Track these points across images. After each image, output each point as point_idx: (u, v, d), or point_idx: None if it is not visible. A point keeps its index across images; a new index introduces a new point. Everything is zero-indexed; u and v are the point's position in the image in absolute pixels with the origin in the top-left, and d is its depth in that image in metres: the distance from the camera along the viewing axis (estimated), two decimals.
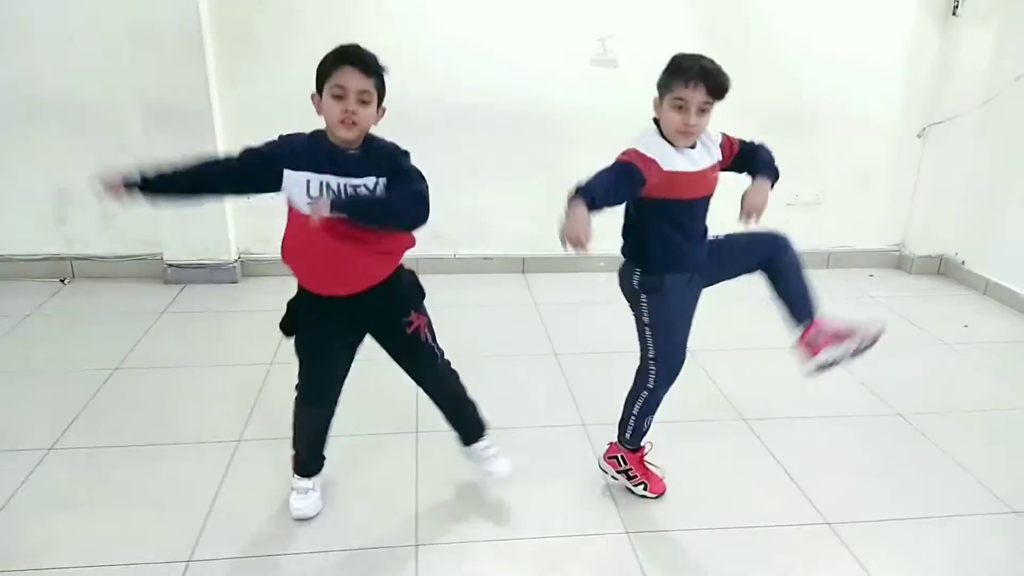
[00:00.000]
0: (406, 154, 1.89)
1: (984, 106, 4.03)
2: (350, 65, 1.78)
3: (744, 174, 2.06)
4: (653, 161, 1.86)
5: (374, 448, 2.49)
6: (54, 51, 3.59)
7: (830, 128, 4.19)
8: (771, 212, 2.00)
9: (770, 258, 2.04)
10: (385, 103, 1.86)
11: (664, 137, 1.91)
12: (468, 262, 4.21)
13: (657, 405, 2.17)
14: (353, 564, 1.98)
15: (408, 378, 2.13)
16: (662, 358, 2.09)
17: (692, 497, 2.28)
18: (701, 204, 2.00)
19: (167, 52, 3.52)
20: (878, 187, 4.39)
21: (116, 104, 3.63)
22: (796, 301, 2.05)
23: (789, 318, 2.07)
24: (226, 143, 3.68)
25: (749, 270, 2.09)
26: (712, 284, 2.09)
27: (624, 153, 1.90)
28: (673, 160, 1.88)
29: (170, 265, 3.90)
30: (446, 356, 2.12)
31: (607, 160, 1.90)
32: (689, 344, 2.11)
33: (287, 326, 2.01)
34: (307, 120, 1.86)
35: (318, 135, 1.85)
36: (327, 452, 2.21)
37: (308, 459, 2.19)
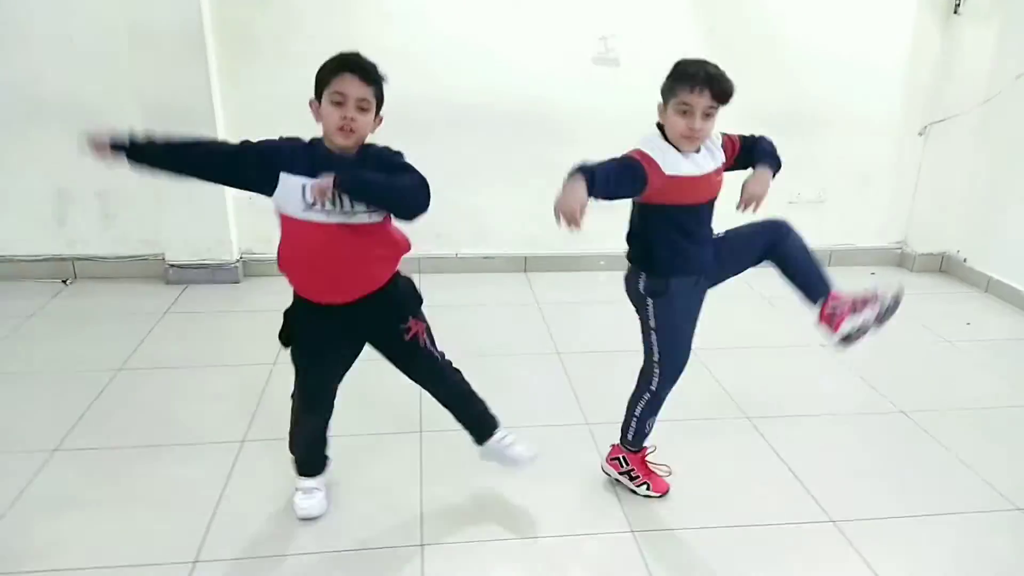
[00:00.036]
0: (400, 154, 1.89)
1: (985, 104, 4.03)
2: (350, 72, 1.78)
3: (749, 169, 2.06)
4: (656, 163, 1.86)
5: (378, 448, 2.49)
6: (55, 51, 3.59)
7: (831, 127, 4.19)
8: (773, 211, 2.01)
9: (773, 245, 2.04)
10: (385, 107, 1.86)
11: (668, 142, 1.91)
12: (470, 262, 4.21)
13: (659, 407, 2.18)
14: (358, 564, 1.99)
15: None
16: (666, 361, 2.10)
17: (696, 496, 2.28)
18: (706, 208, 2.00)
19: (168, 52, 3.51)
20: (879, 185, 4.39)
21: (117, 104, 3.63)
22: (807, 281, 2.05)
23: (805, 299, 2.07)
24: None
25: (755, 262, 2.09)
26: (719, 283, 2.09)
27: (630, 151, 1.91)
28: (678, 164, 1.88)
29: (172, 265, 3.90)
30: (447, 357, 2.12)
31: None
32: (692, 343, 2.11)
33: (285, 337, 2.01)
34: (309, 120, 1.86)
35: (315, 142, 1.85)
36: (330, 452, 2.22)
37: (309, 461, 2.19)
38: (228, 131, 3.70)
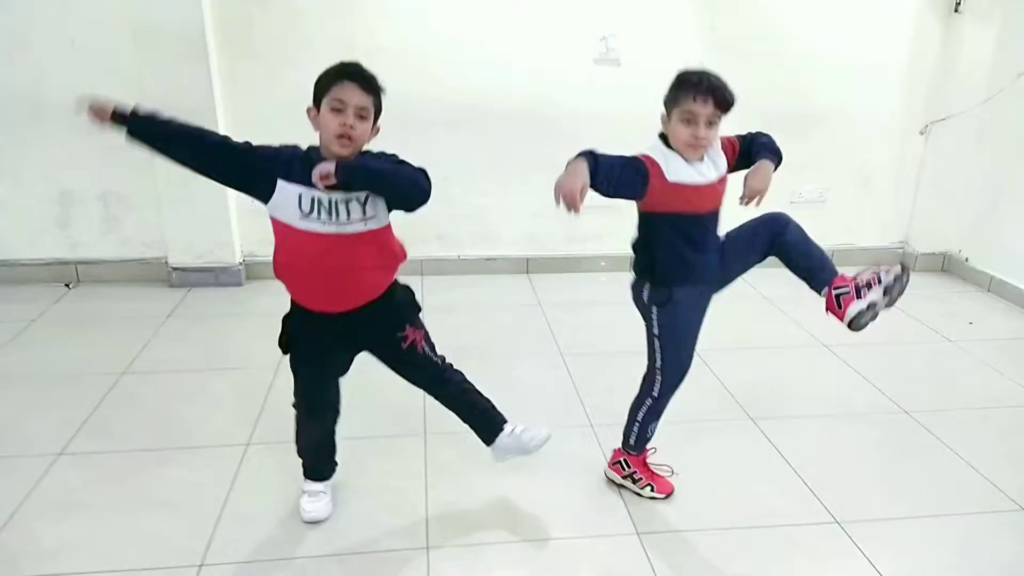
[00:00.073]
0: (395, 156, 1.90)
1: (986, 103, 4.03)
2: (351, 80, 1.80)
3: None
4: (659, 167, 1.87)
5: (383, 450, 2.50)
6: (57, 53, 3.59)
7: (832, 126, 4.19)
8: (774, 209, 2.01)
9: (773, 238, 2.03)
10: (387, 108, 1.87)
11: (673, 150, 1.92)
12: (472, 263, 4.21)
13: (662, 412, 2.19)
14: (364, 567, 1.99)
15: None
16: (669, 368, 2.11)
17: (701, 496, 2.28)
18: (711, 217, 2.00)
19: (170, 53, 3.52)
20: (881, 184, 4.39)
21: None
22: (811, 270, 2.04)
23: (812, 288, 2.06)
24: None
25: (759, 259, 2.09)
26: (725, 286, 2.10)
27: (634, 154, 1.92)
28: (680, 172, 1.89)
29: (175, 268, 3.90)
30: (447, 360, 2.12)
31: None
32: (695, 350, 2.12)
33: (284, 343, 2.01)
34: (307, 123, 1.87)
35: (312, 150, 1.86)
36: (337, 458, 2.23)
37: (317, 465, 2.20)
38: (231, 131, 3.68)
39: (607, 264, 4.17)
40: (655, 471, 2.29)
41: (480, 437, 2.19)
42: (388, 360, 2.06)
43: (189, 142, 1.83)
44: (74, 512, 2.16)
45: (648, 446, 2.26)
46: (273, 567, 1.98)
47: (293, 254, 1.87)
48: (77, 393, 2.80)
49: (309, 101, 1.85)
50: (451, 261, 4.16)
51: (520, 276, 4.23)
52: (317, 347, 2.00)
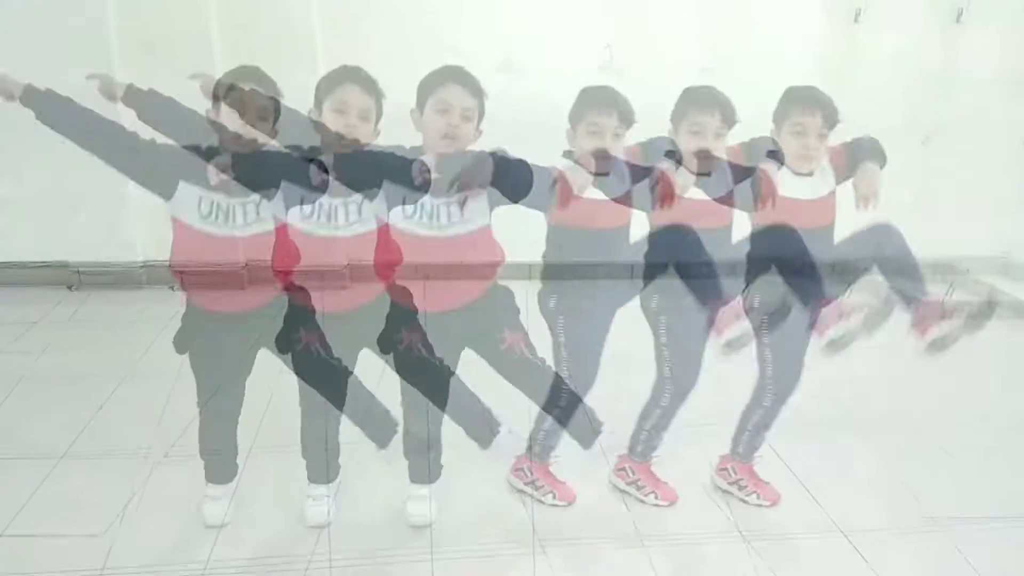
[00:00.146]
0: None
1: (985, 112, 4.04)
2: (352, 83, 1.83)
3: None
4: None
5: (389, 458, 2.48)
6: (59, 53, 3.59)
7: (833, 136, 4.19)
8: None
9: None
10: (395, 114, 1.91)
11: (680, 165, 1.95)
12: (475, 269, 4.19)
13: (670, 421, 2.20)
14: (368, 572, 1.98)
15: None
16: (677, 377, 2.12)
17: (704, 503, 2.28)
18: (721, 233, 2.03)
19: (175, 55, 3.52)
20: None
21: (123, 107, 3.64)
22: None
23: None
24: None
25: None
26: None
27: None
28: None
29: (178, 277, 3.89)
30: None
31: None
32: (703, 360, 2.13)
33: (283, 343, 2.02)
34: None
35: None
36: (341, 459, 2.22)
37: (320, 467, 2.20)
38: None
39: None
40: (659, 479, 2.29)
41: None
42: (389, 359, 2.05)
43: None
44: (77, 514, 2.16)
45: (654, 455, 2.27)
46: (276, 570, 1.98)
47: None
48: (79, 396, 2.80)
49: (307, 111, 1.88)
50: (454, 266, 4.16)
51: (523, 282, 4.22)
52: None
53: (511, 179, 1.87)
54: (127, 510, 2.17)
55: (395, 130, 1.95)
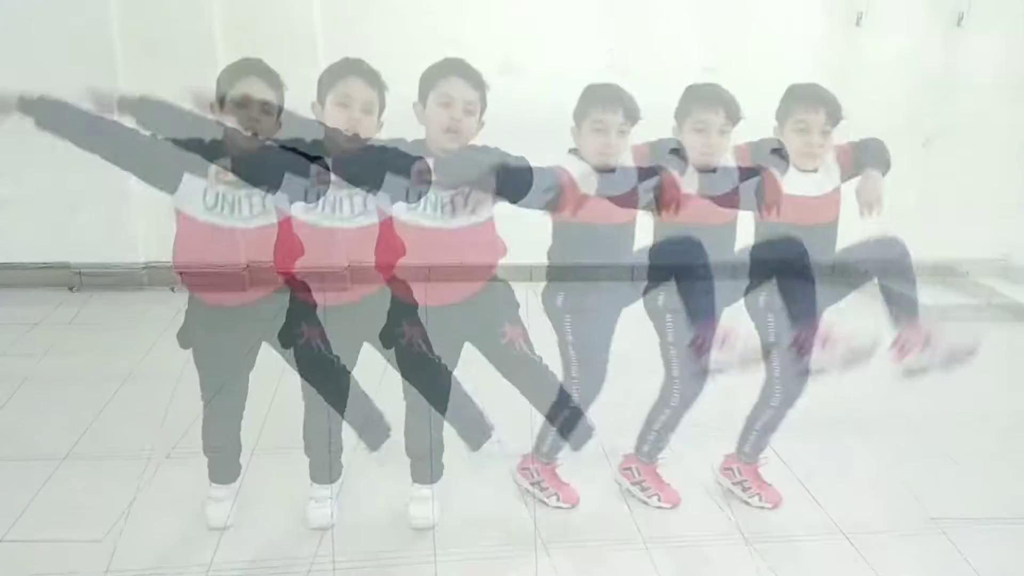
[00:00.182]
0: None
1: (986, 115, 4.05)
2: (355, 76, 1.83)
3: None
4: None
5: (389, 458, 2.48)
6: (59, 54, 3.59)
7: (837, 134, 4.20)
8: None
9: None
10: (398, 116, 1.91)
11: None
12: (475, 270, 4.20)
13: (678, 422, 2.20)
14: (371, 574, 1.99)
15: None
16: (685, 378, 2.12)
17: (706, 504, 2.29)
18: (723, 230, 2.04)
19: (176, 55, 3.53)
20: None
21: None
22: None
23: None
24: None
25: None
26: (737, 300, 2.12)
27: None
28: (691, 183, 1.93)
29: (180, 272, 3.89)
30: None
31: None
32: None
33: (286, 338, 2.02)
34: None
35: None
36: (344, 458, 2.22)
37: (323, 465, 2.19)
38: None
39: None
40: (664, 481, 2.29)
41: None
42: (391, 354, 2.05)
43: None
44: (79, 517, 2.15)
45: (660, 456, 2.27)
46: (278, 573, 1.98)
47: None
48: (81, 397, 2.80)
49: (310, 104, 1.88)
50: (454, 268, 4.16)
51: (523, 284, 4.22)
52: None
53: (511, 185, 1.89)
54: (129, 512, 2.17)
55: (396, 125, 1.95)
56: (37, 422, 2.67)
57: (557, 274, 2.08)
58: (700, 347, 2.04)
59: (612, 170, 1.96)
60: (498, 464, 2.35)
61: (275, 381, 2.90)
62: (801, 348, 2.06)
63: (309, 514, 2.15)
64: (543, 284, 4.21)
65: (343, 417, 2.15)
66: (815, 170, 1.99)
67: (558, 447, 2.25)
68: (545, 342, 2.13)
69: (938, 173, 4.28)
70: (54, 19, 3.56)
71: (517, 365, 2.07)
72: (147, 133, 1.87)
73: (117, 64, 3.60)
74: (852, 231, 2.15)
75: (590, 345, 2.08)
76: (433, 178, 1.83)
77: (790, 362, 2.10)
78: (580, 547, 2.10)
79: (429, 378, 2.11)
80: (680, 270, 2.03)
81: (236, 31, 3.63)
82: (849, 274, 2.12)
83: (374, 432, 2.25)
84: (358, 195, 1.85)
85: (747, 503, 2.28)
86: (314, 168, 1.85)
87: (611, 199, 1.94)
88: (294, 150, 1.88)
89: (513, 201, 1.91)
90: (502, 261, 4.37)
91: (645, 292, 2.10)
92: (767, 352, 2.13)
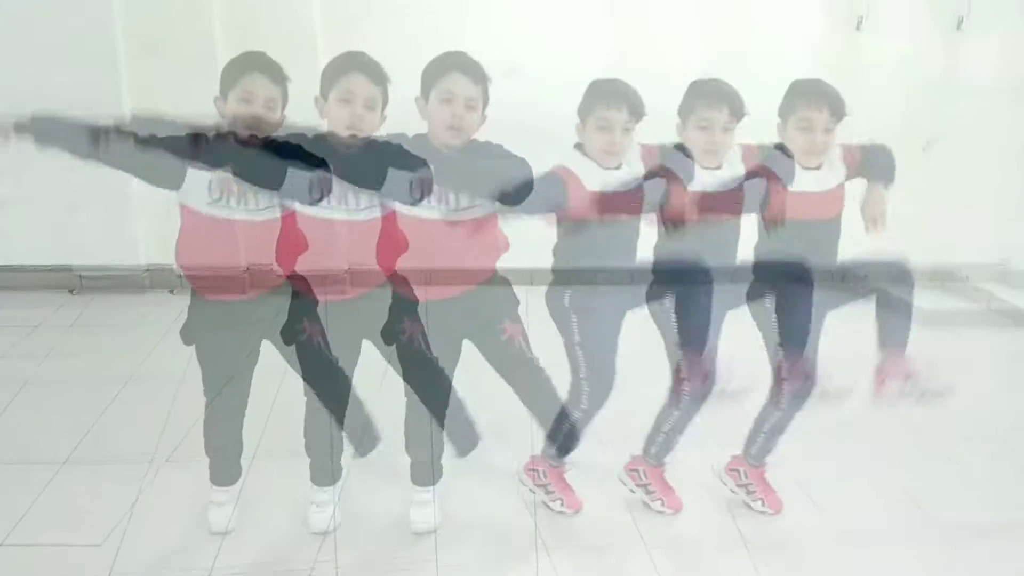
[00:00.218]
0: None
1: (985, 119, 4.06)
2: (357, 72, 1.82)
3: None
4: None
5: (391, 463, 2.48)
6: (59, 56, 3.59)
7: (840, 132, 4.20)
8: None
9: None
10: (401, 119, 1.92)
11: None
12: (475, 274, 4.20)
13: (687, 424, 2.19)
14: None
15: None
16: (694, 379, 2.10)
17: (707, 508, 2.29)
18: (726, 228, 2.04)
19: (175, 59, 3.53)
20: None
21: (122, 110, 3.64)
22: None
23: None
24: None
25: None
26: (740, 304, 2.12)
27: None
28: (702, 178, 1.92)
29: (180, 276, 3.88)
30: (446, 351, 2.11)
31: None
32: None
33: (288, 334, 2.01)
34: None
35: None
36: (344, 462, 2.22)
37: (323, 467, 2.18)
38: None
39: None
40: (669, 485, 2.29)
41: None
42: (392, 351, 2.05)
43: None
44: (79, 521, 2.15)
45: (666, 459, 2.26)
46: None
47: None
48: (81, 400, 2.79)
49: (313, 99, 1.89)
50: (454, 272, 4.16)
51: (523, 288, 4.22)
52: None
53: (512, 200, 1.92)
54: (130, 516, 2.17)
55: (397, 124, 1.96)
56: (38, 425, 2.66)
57: (563, 274, 2.07)
58: (682, 377, 2.07)
59: (617, 167, 1.96)
60: (500, 466, 2.34)
61: (277, 383, 2.91)
62: (790, 374, 2.07)
63: (310, 518, 2.14)
64: (544, 288, 4.22)
65: (342, 420, 2.14)
66: (818, 167, 1.99)
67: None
68: (544, 348, 2.12)
69: (937, 177, 4.29)
70: (55, 19, 3.55)
71: (515, 364, 2.07)
72: (145, 134, 1.85)
73: (119, 64, 3.59)
74: (854, 231, 2.15)
75: (598, 346, 2.06)
76: (435, 175, 1.83)
77: (797, 366, 2.10)
78: (581, 551, 2.10)
79: (427, 377, 2.10)
80: (680, 289, 2.04)
81: (236, 31, 3.63)
82: (850, 280, 2.13)
83: (363, 438, 2.24)
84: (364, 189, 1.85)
85: (749, 506, 2.28)
86: (316, 175, 1.84)
87: (616, 197, 1.93)
88: (296, 151, 1.88)
89: (514, 206, 1.90)
90: (503, 263, 4.38)
91: (648, 293, 2.10)
92: (773, 354, 2.12)
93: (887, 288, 2.09)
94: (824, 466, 2.52)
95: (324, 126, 1.91)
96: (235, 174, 1.81)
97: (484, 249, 1.97)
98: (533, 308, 4.12)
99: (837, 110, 1.94)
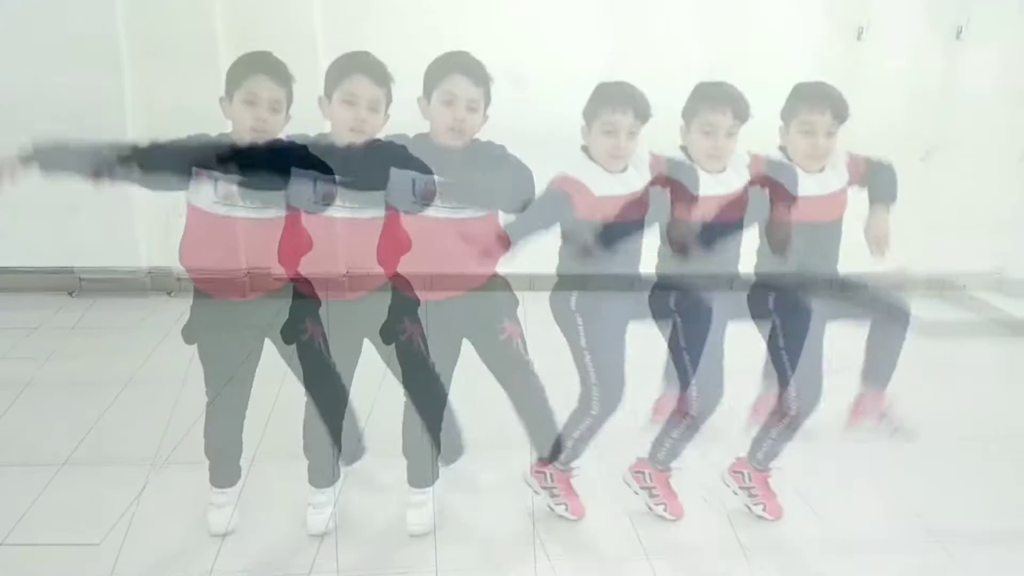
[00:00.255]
0: (404, 148, 1.96)
1: (984, 127, 4.08)
2: (360, 74, 1.83)
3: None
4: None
5: (392, 468, 2.48)
6: (59, 57, 3.59)
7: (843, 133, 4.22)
8: None
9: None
10: (403, 126, 1.93)
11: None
12: (473, 279, 4.20)
13: (696, 431, 2.18)
14: None
15: None
16: (701, 387, 2.11)
17: (706, 513, 2.29)
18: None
19: (176, 59, 3.53)
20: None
21: (124, 110, 3.64)
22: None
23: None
24: None
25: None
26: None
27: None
28: (706, 184, 1.93)
29: (180, 278, 3.89)
30: (445, 351, 2.12)
31: None
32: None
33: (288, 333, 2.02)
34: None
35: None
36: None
37: (322, 468, 2.17)
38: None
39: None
40: (673, 491, 2.27)
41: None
42: (390, 352, 2.05)
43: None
44: (79, 524, 2.15)
45: (673, 464, 2.26)
46: None
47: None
48: (81, 402, 2.79)
49: (317, 99, 1.89)
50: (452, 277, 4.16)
51: (523, 293, 4.22)
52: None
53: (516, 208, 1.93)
54: (130, 518, 2.16)
55: (399, 122, 1.98)
56: (38, 427, 2.66)
57: (567, 278, 2.08)
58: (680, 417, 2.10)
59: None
60: (499, 468, 2.34)
61: (277, 384, 2.91)
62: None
63: (308, 520, 2.14)
64: (544, 294, 4.22)
65: (338, 425, 2.14)
66: (820, 170, 2.00)
67: (576, 455, 2.22)
68: (544, 351, 2.12)
69: (936, 185, 4.31)
70: (57, 20, 3.55)
71: (512, 364, 2.07)
72: (145, 145, 1.87)
73: (122, 64, 3.59)
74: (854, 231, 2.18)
75: (605, 350, 2.05)
76: (439, 190, 1.84)
77: (804, 370, 2.10)
78: (581, 555, 2.10)
79: (423, 380, 2.10)
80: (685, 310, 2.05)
81: (238, 30, 3.64)
82: (850, 291, 2.14)
83: (349, 449, 2.24)
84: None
85: (749, 509, 2.27)
86: (320, 187, 1.85)
87: (622, 211, 1.95)
88: (300, 156, 1.88)
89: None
90: (502, 267, 4.38)
91: (651, 296, 2.10)
92: (777, 360, 2.12)
93: (883, 320, 2.12)
94: (822, 474, 2.52)
95: (327, 126, 1.92)
96: (241, 185, 1.82)
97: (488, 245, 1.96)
98: (534, 313, 4.13)
99: (839, 113, 1.95)
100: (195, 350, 2.06)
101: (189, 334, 2.01)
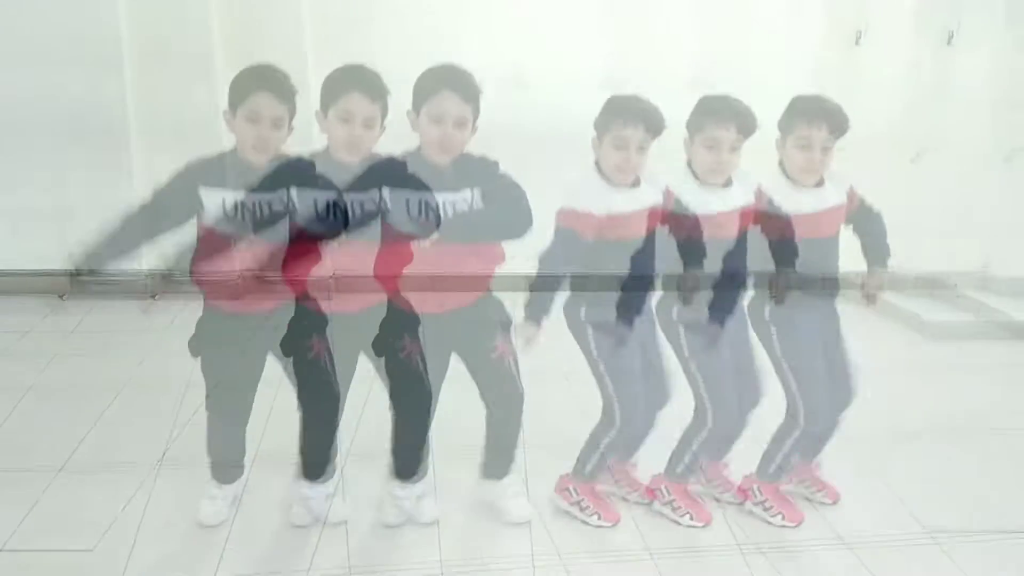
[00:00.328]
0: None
1: (973, 129, 4.12)
2: (356, 91, 1.84)
3: None
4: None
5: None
6: (56, 63, 3.57)
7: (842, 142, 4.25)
8: None
9: None
10: (399, 128, 1.94)
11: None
12: (471, 281, 4.19)
13: (715, 444, 2.17)
14: None
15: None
16: (715, 401, 2.11)
17: (714, 510, 2.28)
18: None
19: (173, 67, 3.52)
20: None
21: (124, 110, 3.62)
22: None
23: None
24: None
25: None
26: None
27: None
28: (708, 203, 1.98)
29: (175, 281, 3.86)
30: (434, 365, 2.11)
31: None
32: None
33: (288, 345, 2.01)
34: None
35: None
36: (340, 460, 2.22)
37: (314, 464, 2.15)
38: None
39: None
40: (694, 498, 2.24)
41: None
42: (380, 363, 2.04)
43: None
44: (78, 529, 2.12)
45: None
46: None
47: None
48: (77, 406, 2.77)
49: (314, 114, 1.90)
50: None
51: (523, 295, 4.22)
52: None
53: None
54: (126, 523, 2.15)
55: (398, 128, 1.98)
56: (33, 433, 2.64)
57: (580, 283, 2.08)
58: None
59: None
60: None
61: (277, 385, 2.89)
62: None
63: (292, 511, 2.12)
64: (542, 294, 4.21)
65: (330, 444, 2.14)
66: (816, 184, 2.01)
67: (601, 467, 2.19)
68: (544, 354, 2.12)
69: (925, 186, 4.35)
70: (58, 20, 3.54)
71: (501, 384, 2.06)
72: (148, 197, 1.91)
73: (123, 65, 3.58)
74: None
75: (617, 359, 2.03)
76: (441, 230, 1.88)
77: (809, 381, 2.09)
78: (586, 561, 2.09)
79: (416, 397, 2.08)
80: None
81: (238, 31, 3.63)
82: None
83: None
84: (276, 202, 1.88)
85: (768, 523, 2.23)
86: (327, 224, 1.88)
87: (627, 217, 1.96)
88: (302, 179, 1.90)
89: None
90: (502, 270, 4.37)
91: (658, 304, 2.11)
92: (778, 368, 2.13)
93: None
94: (823, 474, 2.53)
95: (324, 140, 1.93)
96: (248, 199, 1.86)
97: (482, 261, 2.01)
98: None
99: (837, 127, 1.96)
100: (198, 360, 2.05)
101: (195, 347, 2.02)
